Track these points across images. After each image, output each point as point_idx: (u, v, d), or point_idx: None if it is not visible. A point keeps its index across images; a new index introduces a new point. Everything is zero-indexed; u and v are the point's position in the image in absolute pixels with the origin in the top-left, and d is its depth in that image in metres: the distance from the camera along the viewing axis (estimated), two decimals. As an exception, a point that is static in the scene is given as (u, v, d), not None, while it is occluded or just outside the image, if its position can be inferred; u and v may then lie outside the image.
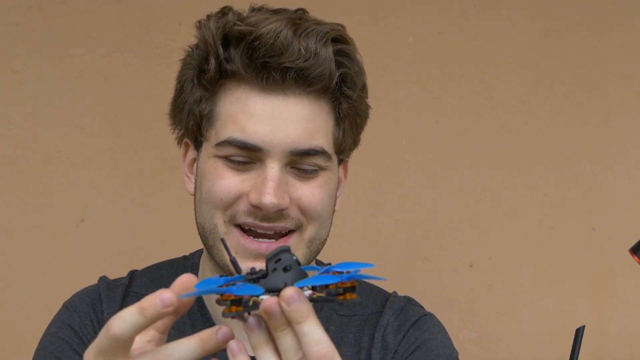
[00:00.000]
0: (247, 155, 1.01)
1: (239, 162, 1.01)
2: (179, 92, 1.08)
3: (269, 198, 0.99)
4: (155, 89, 1.73)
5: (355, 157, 1.17)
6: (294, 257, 0.72)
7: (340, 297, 0.70)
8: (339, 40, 1.04)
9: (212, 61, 1.02)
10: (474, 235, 1.81)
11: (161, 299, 0.71)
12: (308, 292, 0.71)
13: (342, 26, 1.06)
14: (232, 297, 0.69)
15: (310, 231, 1.04)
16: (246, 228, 1.03)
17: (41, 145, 1.72)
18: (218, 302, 0.71)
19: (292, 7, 1.08)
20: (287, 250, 0.73)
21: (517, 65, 1.82)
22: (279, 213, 1.01)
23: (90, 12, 1.74)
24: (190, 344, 0.73)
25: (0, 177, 1.71)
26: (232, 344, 0.72)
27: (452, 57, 1.81)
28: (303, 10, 1.07)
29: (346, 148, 1.10)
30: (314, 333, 0.69)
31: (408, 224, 1.80)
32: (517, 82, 1.82)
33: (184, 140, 1.11)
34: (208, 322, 1.09)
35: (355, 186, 1.76)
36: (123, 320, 0.71)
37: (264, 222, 1.01)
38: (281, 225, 1.02)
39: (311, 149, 1.02)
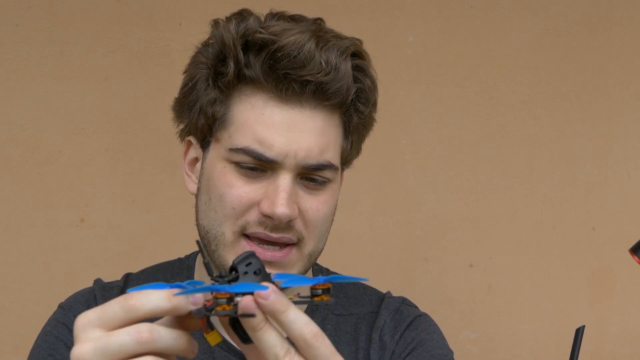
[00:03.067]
0: (261, 165, 1.01)
1: (250, 169, 1.01)
2: (190, 89, 1.06)
3: (282, 209, 0.99)
4: (155, 89, 1.73)
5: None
6: (261, 263, 0.73)
7: (317, 299, 0.70)
8: (357, 55, 1.04)
9: (231, 65, 1.00)
10: (474, 235, 1.81)
11: (193, 296, 0.70)
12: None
13: (360, 40, 1.06)
14: (228, 295, 0.68)
15: (309, 245, 1.04)
16: (253, 238, 1.02)
17: (41, 145, 1.72)
18: (204, 307, 0.70)
19: (295, 9, 1.07)
20: (253, 254, 0.73)
21: (517, 65, 1.82)
22: (288, 224, 1.01)
23: (90, 12, 1.74)
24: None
25: (0, 177, 1.71)
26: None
27: (452, 57, 1.81)
28: (321, 20, 1.06)
29: (351, 159, 1.11)
30: (301, 316, 0.69)
31: (408, 224, 1.80)
32: (517, 82, 1.82)
33: (187, 138, 1.10)
34: (227, 344, 1.09)
35: (355, 186, 1.76)
36: (148, 298, 0.70)
37: (273, 233, 1.01)
38: (288, 236, 1.02)
39: (320, 164, 1.02)
